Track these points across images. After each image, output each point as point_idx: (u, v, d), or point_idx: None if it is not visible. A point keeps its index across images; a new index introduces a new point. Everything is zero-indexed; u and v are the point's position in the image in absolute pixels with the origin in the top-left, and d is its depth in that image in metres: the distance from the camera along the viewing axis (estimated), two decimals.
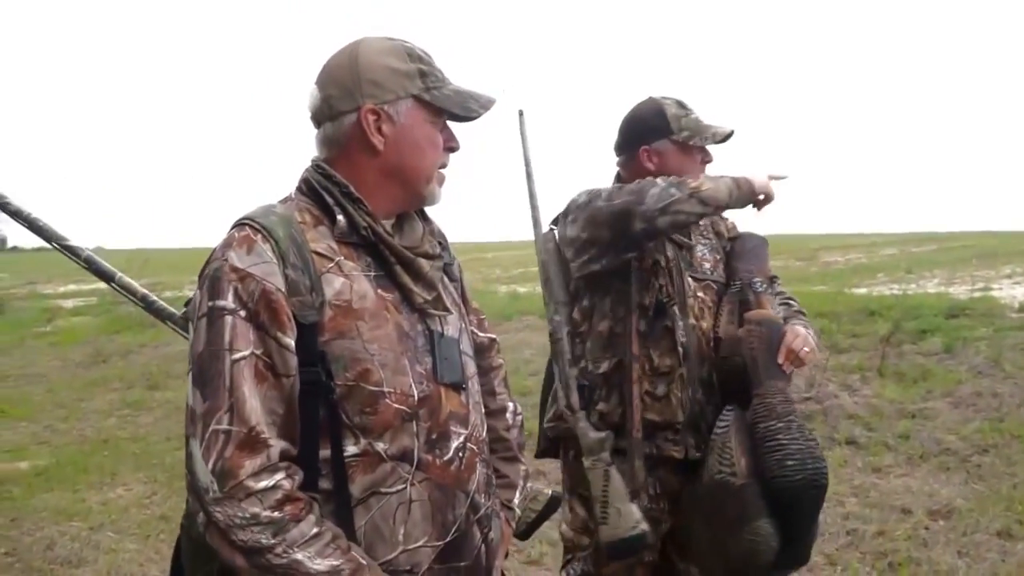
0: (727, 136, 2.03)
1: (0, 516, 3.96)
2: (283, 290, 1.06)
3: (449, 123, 1.25)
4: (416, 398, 1.14)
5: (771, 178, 1.94)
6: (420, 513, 1.14)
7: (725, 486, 1.76)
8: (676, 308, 1.91)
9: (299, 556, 1.02)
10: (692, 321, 1.93)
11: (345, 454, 1.09)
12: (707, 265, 2.03)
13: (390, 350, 1.13)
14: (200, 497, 1.02)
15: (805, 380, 5.54)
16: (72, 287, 18.28)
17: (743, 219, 2.14)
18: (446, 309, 1.24)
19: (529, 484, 1.58)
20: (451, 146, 1.25)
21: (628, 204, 1.82)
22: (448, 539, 1.17)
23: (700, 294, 1.97)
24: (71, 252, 1.37)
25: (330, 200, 1.16)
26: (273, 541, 1.01)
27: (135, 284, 1.39)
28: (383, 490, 1.11)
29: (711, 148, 2.04)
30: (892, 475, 4.06)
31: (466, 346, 1.29)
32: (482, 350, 1.47)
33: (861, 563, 3.11)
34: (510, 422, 1.49)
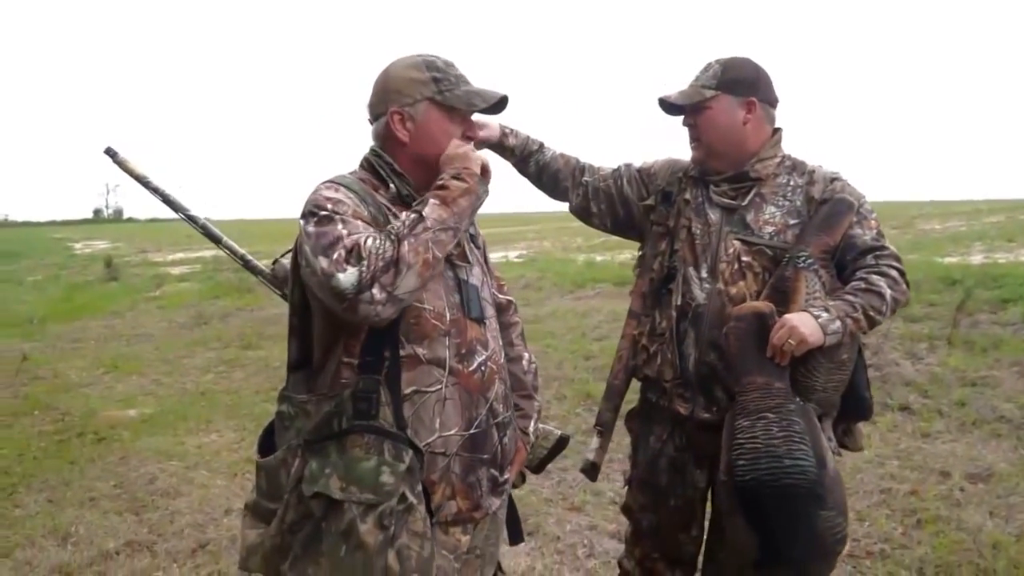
0: (666, 107, 2.01)
1: (111, 455, 4.46)
2: (369, 217, 1.43)
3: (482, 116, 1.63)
4: (448, 319, 1.49)
5: None
6: (452, 408, 1.49)
7: (716, 479, 1.86)
8: (693, 271, 1.94)
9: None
10: (719, 286, 1.91)
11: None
12: (770, 229, 1.92)
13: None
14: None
15: (869, 348, 5.53)
16: (180, 255, 19.51)
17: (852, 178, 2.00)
18: (467, 261, 1.59)
19: (541, 425, 1.85)
20: (468, 135, 1.58)
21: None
22: (472, 431, 1.52)
23: (745, 258, 1.91)
24: (191, 220, 1.78)
25: (383, 173, 1.54)
26: None
27: (235, 246, 1.81)
28: (423, 389, 1.47)
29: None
30: (939, 440, 4.07)
31: (486, 294, 1.63)
32: (502, 309, 1.78)
33: (889, 519, 3.19)
34: (526, 368, 1.82)
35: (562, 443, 1.87)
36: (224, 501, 3.72)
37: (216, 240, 1.76)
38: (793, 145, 2.03)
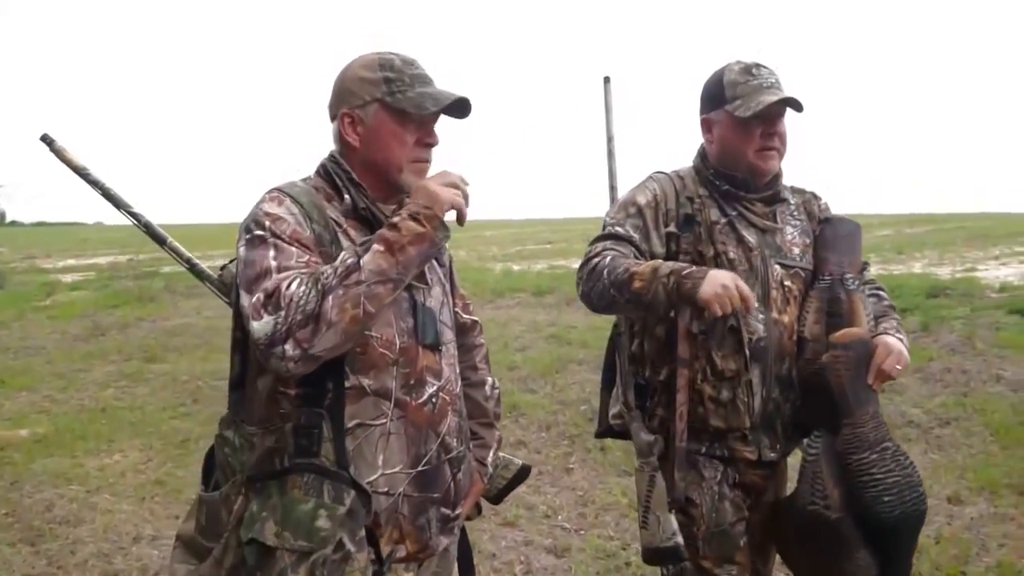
0: (783, 104, 1.76)
1: (1, 480, 4.10)
2: (312, 237, 1.31)
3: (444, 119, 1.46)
4: (398, 347, 1.37)
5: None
6: (397, 444, 1.37)
7: (819, 518, 1.69)
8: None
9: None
10: (774, 315, 1.77)
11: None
12: (796, 250, 1.84)
13: None
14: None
15: None
16: (71, 262, 18.39)
17: (836, 201, 1.99)
18: (425, 283, 1.46)
19: (502, 454, 1.76)
20: (426, 142, 1.43)
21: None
22: (420, 468, 1.40)
23: (787, 283, 1.81)
24: (135, 218, 1.62)
25: (339, 183, 1.42)
26: None
27: (181, 247, 1.64)
28: (367, 422, 1.35)
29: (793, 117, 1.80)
30: None
31: (446, 317, 1.51)
32: (466, 330, 1.69)
33: None
34: (488, 394, 1.71)
35: (523, 473, 1.78)
36: (132, 528, 3.48)
37: (160, 240, 1.63)
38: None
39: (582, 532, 3.39)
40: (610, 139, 2.05)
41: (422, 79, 1.43)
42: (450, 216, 1.35)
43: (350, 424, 1.33)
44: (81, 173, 1.58)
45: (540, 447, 4.48)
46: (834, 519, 1.68)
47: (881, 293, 1.93)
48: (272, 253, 1.26)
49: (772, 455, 1.82)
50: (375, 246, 1.26)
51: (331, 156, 1.46)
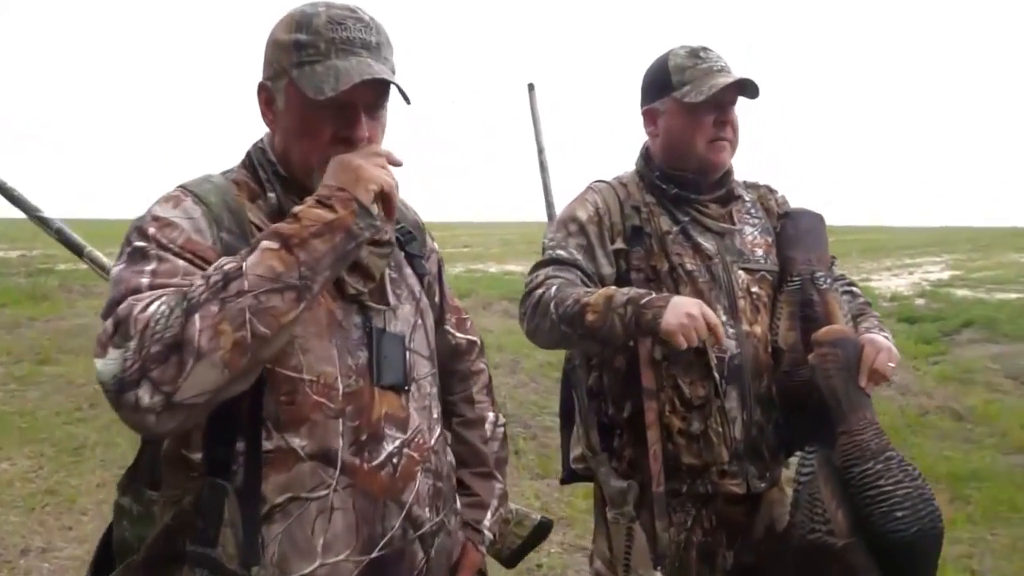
0: (738, 88, 1.60)
1: None
2: (214, 248, 1.01)
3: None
4: (341, 392, 1.05)
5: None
6: (343, 523, 1.05)
7: (823, 548, 1.45)
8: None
9: None
10: (745, 327, 1.61)
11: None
12: (759, 251, 1.68)
13: (315, 336, 1.05)
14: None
15: None
16: None
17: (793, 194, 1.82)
18: (385, 303, 1.15)
19: (514, 506, 1.49)
20: (342, 136, 1.07)
21: None
22: (375, 555, 1.07)
23: (754, 289, 1.65)
24: (44, 223, 1.40)
25: (263, 176, 1.12)
26: None
27: (102, 257, 1.43)
28: (303, 495, 1.03)
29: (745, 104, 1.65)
30: None
31: (419, 344, 1.18)
32: (459, 353, 1.38)
33: None
34: (488, 434, 1.37)
35: (542, 530, 1.49)
36: (19, 539, 3.30)
37: (77, 250, 1.40)
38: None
39: None
40: (541, 150, 1.89)
41: (345, 45, 1.05)
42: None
43: (279, 499, 1.02)
44: None
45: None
46: (840, 546, 1.44)
47: (854, 290, 1.78)
48: (151, 267, 0.96)
49: (762, 485, 1.63)
50: (264, 243, 0.94)
51: (259, 142, 1.16)
